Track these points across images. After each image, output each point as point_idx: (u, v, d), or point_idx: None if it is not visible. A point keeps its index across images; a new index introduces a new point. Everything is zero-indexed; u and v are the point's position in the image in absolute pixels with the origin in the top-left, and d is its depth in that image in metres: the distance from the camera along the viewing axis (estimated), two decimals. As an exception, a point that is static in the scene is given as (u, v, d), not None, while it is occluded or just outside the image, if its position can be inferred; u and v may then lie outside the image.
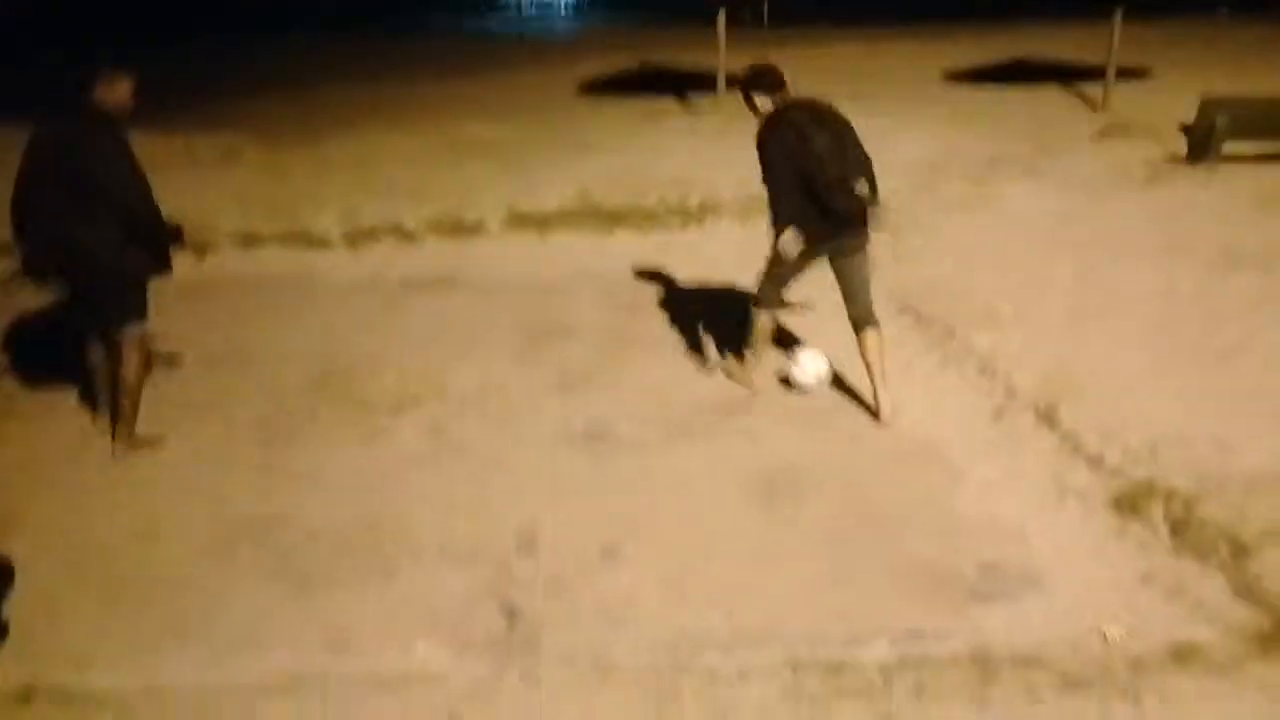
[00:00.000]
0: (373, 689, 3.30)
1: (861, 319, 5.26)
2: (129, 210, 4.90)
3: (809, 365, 5.48)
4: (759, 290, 5.53)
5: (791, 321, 6.12)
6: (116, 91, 4.98)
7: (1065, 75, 13.38)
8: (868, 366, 5.26)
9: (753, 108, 5.35)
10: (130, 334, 5.10)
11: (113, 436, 5.19)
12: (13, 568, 3.75)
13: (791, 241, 5.19)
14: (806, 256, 5.27)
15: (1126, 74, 12.61)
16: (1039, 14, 17.09)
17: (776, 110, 5.23)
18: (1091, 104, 12.14)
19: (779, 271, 5.39)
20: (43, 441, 5.38)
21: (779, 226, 5.20)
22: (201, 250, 5.24)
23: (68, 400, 5.79)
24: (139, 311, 5.12)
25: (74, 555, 4.37)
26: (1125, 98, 11.90)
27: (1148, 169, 8.74)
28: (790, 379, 5.52)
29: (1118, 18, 11.82)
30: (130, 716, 3.16)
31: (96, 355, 5.37)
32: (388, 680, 3.40)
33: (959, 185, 8.33)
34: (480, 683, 3.36)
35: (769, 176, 5.19)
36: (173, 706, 3.22)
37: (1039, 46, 15.38)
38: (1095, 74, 12.39)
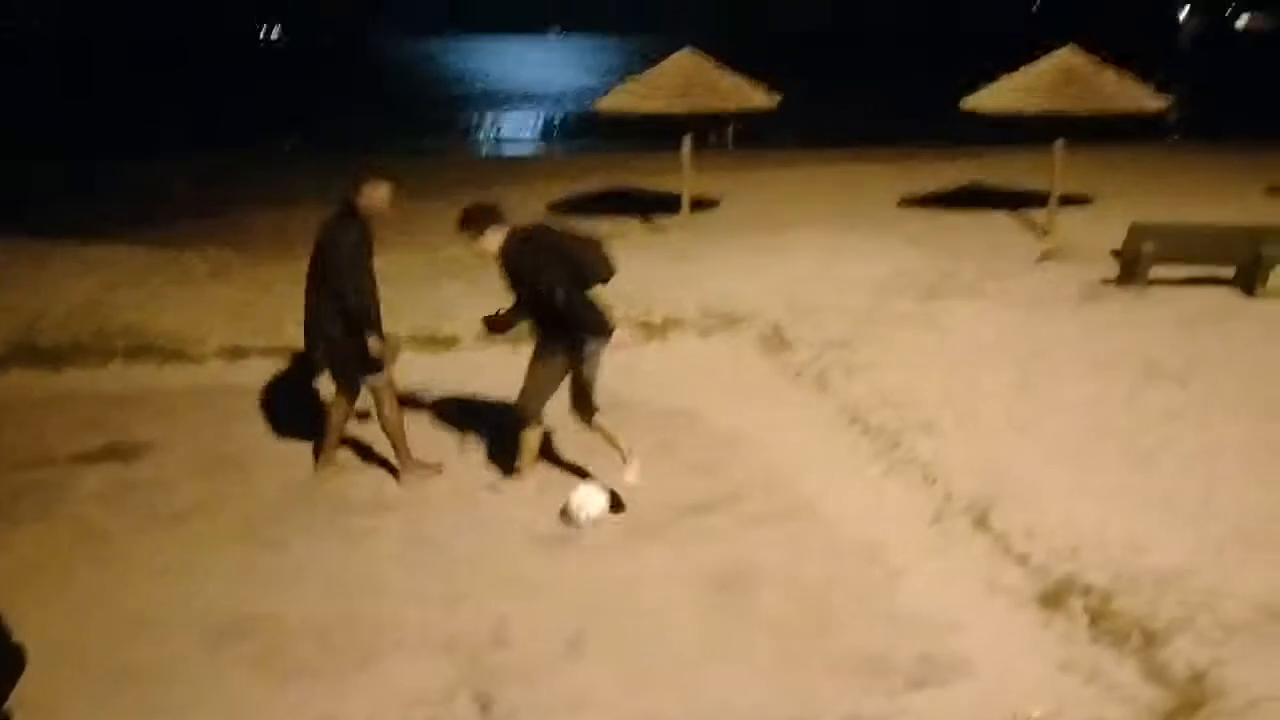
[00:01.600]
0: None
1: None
2: (339, 298, 5.77)
3: (589, 504, 5.71)
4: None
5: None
6: (376, 195, 5.85)
7: (1014, 201, 14.15)
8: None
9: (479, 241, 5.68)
10: (375, 384, 6.03)
11: (400, 468, 6.26)
12: (24, 658, 4.03)
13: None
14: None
15: (1071, 200, 13.39)
16: (993, 141, 17.97)
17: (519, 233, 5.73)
18: (1037, 229, 12.84)
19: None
20: (39, 543, 5.66)
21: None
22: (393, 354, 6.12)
23: (64, 505, 6.10)
24: (376, 366, 5.96)
25: (68, 648, 4.65)
26: (1068, 223, 12.59)
27: (1083, 289, 9.34)
28: (569, 513, 5.71)
29: (1059, 146, 12.61)
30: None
31: (340, 414, 6.28)
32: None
33: (908, 303, 8.87)
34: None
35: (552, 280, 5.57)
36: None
37: (992, 172, 16.23)
38: (1041, 199, 13.15)
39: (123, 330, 8.62)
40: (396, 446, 6.22)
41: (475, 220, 5.65)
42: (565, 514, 5.72)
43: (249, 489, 6.28)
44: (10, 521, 5.89)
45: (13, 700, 4.08)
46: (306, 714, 4.27)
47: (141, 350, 8.49)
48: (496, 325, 5.87)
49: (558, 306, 5.54)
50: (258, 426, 7.21)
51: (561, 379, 5.84)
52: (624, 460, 5.85)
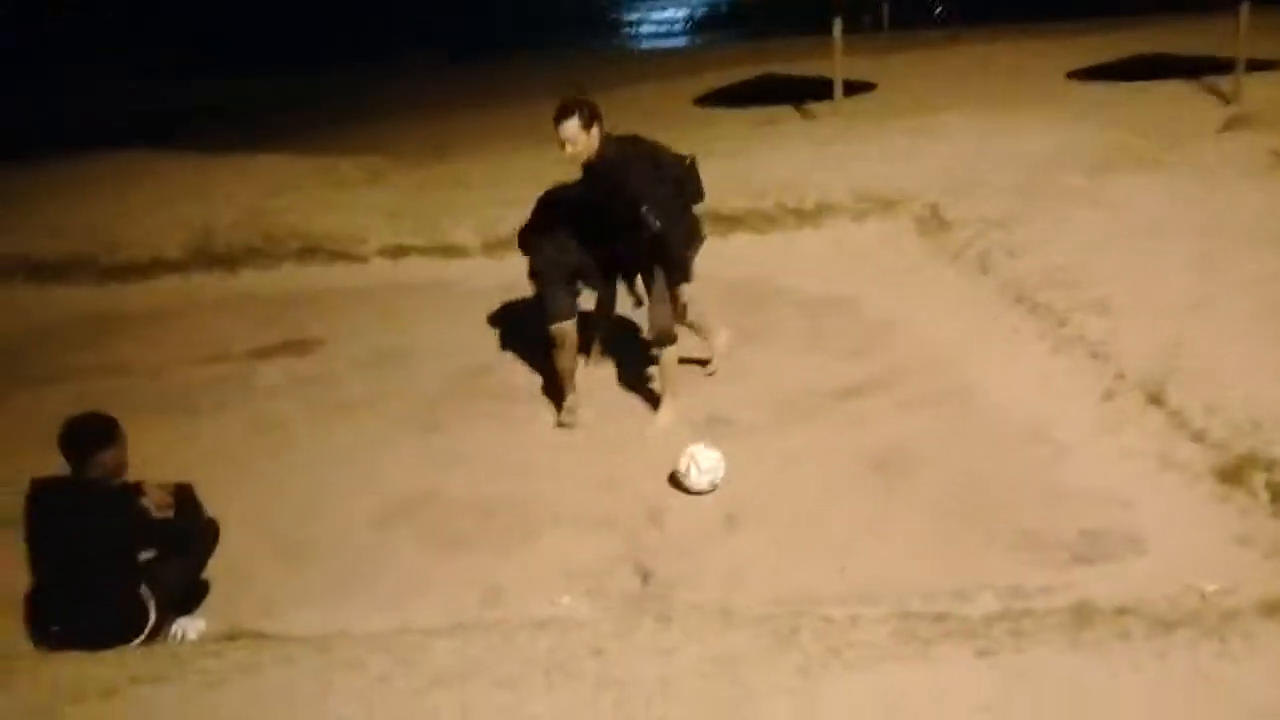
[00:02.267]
0: (526, 631, 3.73)
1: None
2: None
3: (707, 470, 4.96)
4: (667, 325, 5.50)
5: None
6: None
7: (1196, 68, 13.17)
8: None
9: (588, 141, 5.08)
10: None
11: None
12: (218, 530, 4.32)
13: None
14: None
15: (1259, 65, 12.38)
16: (1167, 9, 16.70)
17: (625, 141, 5.32)
18: (1221, 97, 11.96)
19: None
20: (221, 433, 6.03)
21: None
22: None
23: (242, 397, 6.47)
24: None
25: (254, 526, 4.97)
26: (1256, 88, 11.67)
27: (1271, 158, 8.67)
28: (681, 477, 5.01)
29: (1244, 9, 11.66)
30: (326, 651, 3.66)
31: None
32: (539, 624, 3.83)
33: (1077, 178, 8.39)
34: (620, 624, 3.77)
35: (657, 203, 5.17)
36: (358, 644, 3.71)
37: (1167, 41, 15.11)
38: (1226, 67, 12.20)
39: (290, 234, 8.99)
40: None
41: (580, 112, 5.03)
42: (682, 479, 5.02)
43: (414, 380, 6.51)
44: (193, 413, 6.29)
45: (210, 569, 4.39)
46: (472, 583, 4.46)
47: (308, 252, 8.86)
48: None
49: (653, 229, 5.15)
50: (421, 320, 7.45)
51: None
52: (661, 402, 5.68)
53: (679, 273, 5.48)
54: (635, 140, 5.37)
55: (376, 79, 19.44)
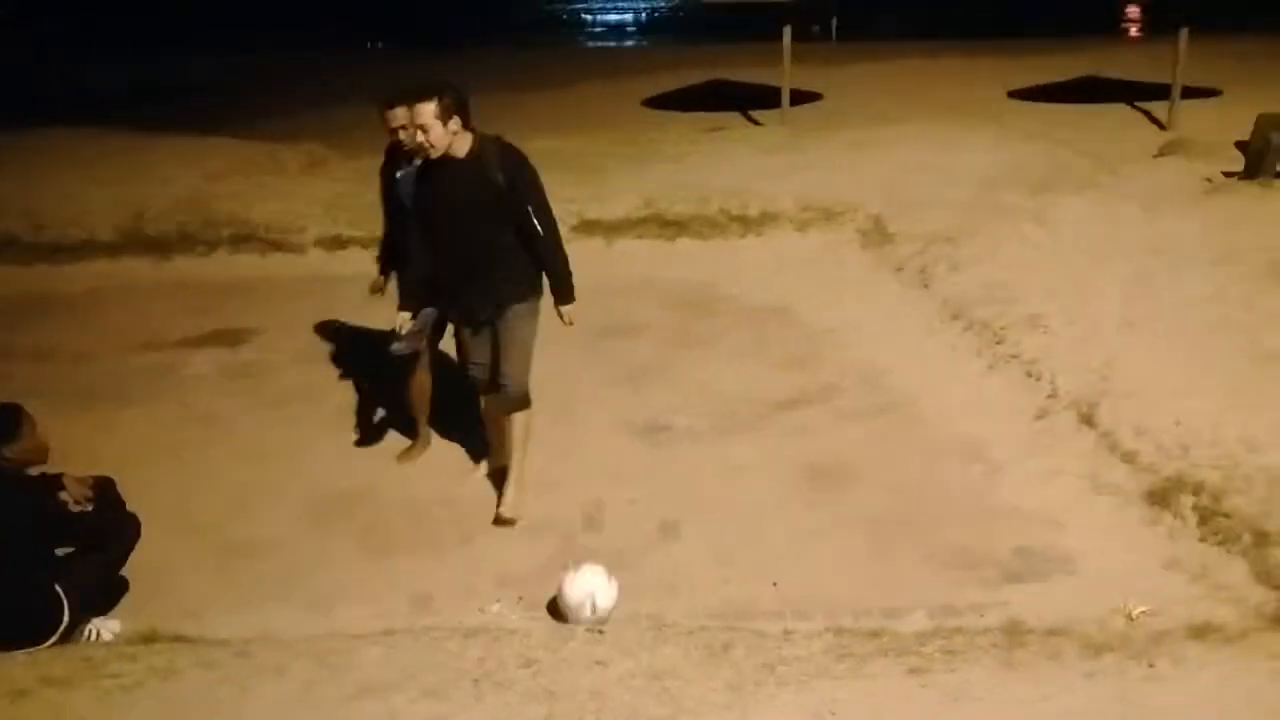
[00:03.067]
0: (455, 639, 3.67)
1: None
2: None
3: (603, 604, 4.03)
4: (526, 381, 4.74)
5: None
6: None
7: (1132, 93, 13.45)
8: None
9: (441, 131, 4.29)
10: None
11: None
12: (139, 526, 4.18)
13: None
14: None
15: (1194, 92, 12.66)
16: (1106, 32, 17.05)
17: (507, 144, 4.51)
18: (1158, 121, 12.22)
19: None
20: (149, 424, 5.86)
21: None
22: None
23: (172, 387, 6.30)
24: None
25: (179, 521, 4.83)
26: (1191, 115, 11.94)
27: (1204, 184, 8.87)
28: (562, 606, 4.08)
29: (1183, 36, 11.91)
30: (247, 655, 3.56)
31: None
32: (470, 631, 3.77)
33: (1017, 197, 8.50)
34: (551, 634, 3.72)
35: (546, 207, 4.54)
36: (283, 649, 3.62)
37: (1110, 64, 15.43)
38: (1162, 93, 12.47)
39: (227, 220, 8.81)
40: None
41: (443, 96, 4.27)
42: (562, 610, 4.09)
43: (348, 375, 6.39)
44: (122, 401, 6.12)
45: (129, 566, 4.25)
46: (403, 586, 4.37)
47: (244, 240, 8.69)
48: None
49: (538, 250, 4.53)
50: (358, 314, 7.31)
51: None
52: (510, 481, 4.83)
53: (568, 290, 4.68)
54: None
55: (329, 65, 19.11)
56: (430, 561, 4.54)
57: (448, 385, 5.38)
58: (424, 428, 5.41)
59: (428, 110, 4.25)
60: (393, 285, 5.23)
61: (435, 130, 4.27)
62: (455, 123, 4.31)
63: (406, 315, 4.81)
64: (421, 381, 5.29)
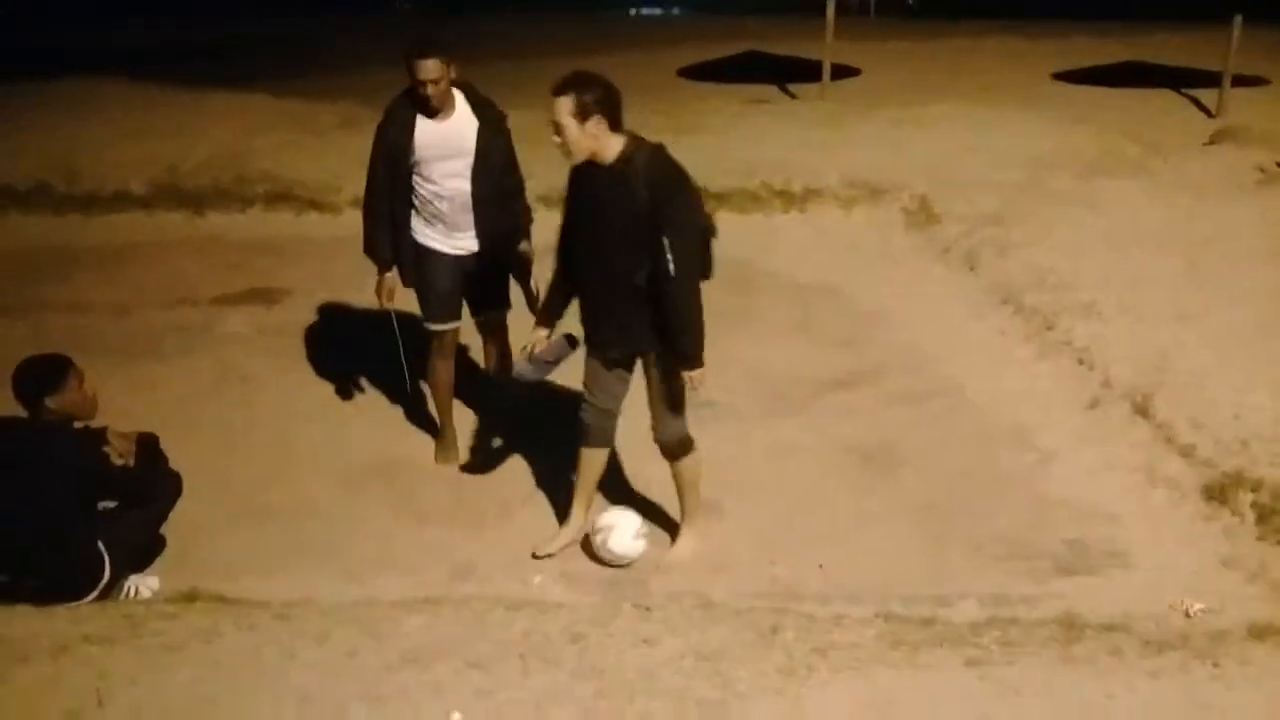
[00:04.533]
0: (499, 611, 3.60)
1: None
2: None
3: (613, 543, 4.22)
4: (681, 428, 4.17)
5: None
6: None
7: (1180, 79, 13.20)
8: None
9: (572, 133, 3.69)
10: None
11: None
12: (181, 484, 4.13)
13: None
14: None
15: (1244, 81, 12.42)
16: (1154, 18, 16.72)
17: (663, 150, 3.82)
18: (1206, 109, 11.99)
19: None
20: (185, 382, 5.81)
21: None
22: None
23: (207, 345, 6.24)
24: None
25: (216, 482, 4.78)
26: (1241, 104, 11.71)
27: (1257, 174, 8.69)
28: (597, 546, 4.26)
29: (1237, 23, 11.67)
30: (289, 619, 3.50)
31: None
32: (514, 604, 3.70)
33: (1067, 181, 8.35)
34: (597, 609, 3.65)
35: (685, 236, 3.76)
36: (324, 614, 3.56)
37: (1154, 50, 15.14)
38: (1211, 80, 12.23)
39: (261, 177, 8.74)
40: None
41: (583, 91, 3.67)
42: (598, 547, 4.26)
43: (385, 338, 6.29)
44: (158, 358, 6.07)
45: (167, 524, 4.21)
46: (442, 556, 4.32)
47: (279, 198, 8.63)
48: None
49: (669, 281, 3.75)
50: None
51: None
52: (683, 528, 4.37)
53: (694, 353, 3.90)
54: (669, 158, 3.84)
55: (361, 25, 18.97)
56: (470, 533, 4.48)
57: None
58: (450, 425, 5.11)
59: (564, 106, 3.65)
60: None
61: (571, 129, 3.66)
62: (597, 123, 3.66)
63: (542, 334, 4.14)
64: (445, 376, 4.99)
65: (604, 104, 3.67)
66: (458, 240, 4.70)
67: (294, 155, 9.18)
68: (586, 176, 3.80)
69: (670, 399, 4.02)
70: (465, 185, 4.58)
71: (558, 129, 3.70)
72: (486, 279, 4.85)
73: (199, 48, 16.68)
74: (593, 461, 4.28)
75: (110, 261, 7.67)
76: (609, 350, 4.06)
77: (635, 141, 3.77)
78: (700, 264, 3.87)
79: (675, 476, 4.25)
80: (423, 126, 4.50)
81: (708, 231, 3.96)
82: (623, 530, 4.22)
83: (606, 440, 4.27)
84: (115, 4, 21.36)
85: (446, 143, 4.52)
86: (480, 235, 4.69)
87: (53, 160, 8.86)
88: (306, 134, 9.93)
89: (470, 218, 4.66)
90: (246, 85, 11.78)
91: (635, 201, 3.69)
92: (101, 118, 9.79)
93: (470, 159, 4.56)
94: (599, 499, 4.48)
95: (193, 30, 18.49)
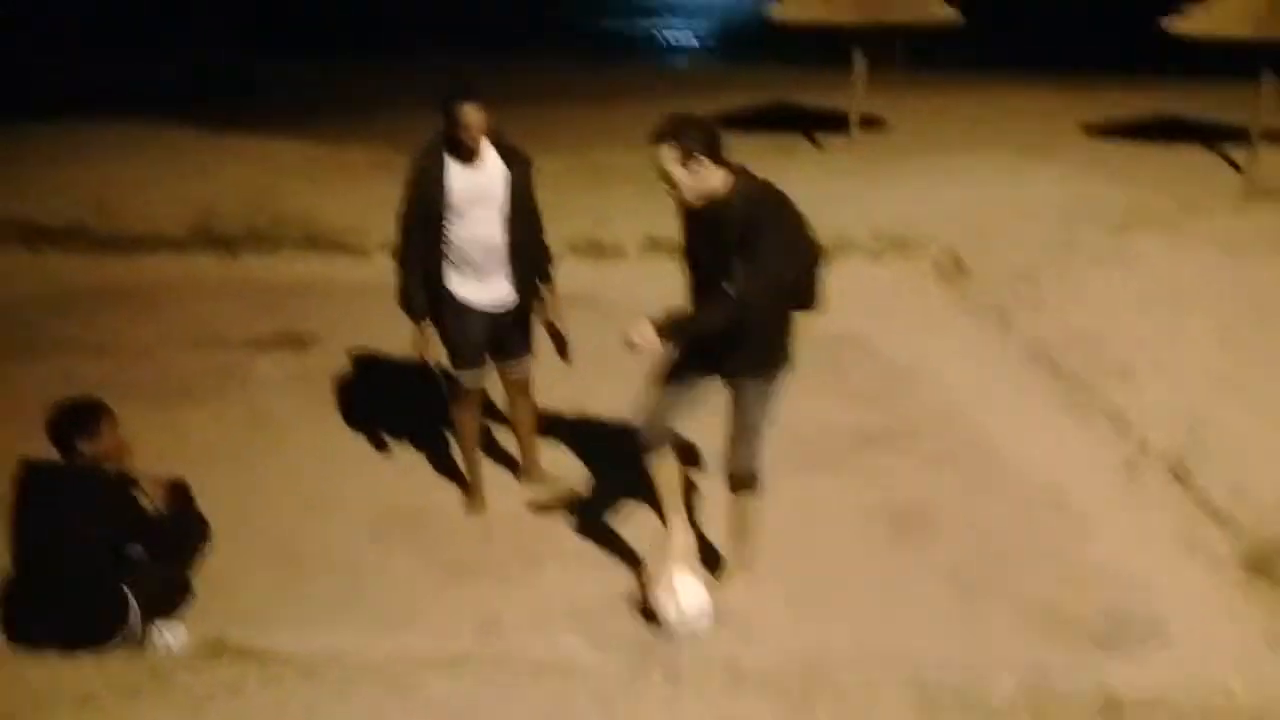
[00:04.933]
0: (528, 672, 3.56)
1: None
2: None
3: (686, 601, 4.10)
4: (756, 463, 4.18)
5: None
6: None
7: (1208, 134, 13.15)
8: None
9: (680, 178, 3.79)
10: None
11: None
12: (210, 531, 4.12)
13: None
14: None
15: (1272, 136, 12.37)
16: (1188, 71, 16.70)
17: (766, 183, 3.91)
18: (1234, 165, 11.94)
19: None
20: (215, 426, 5.81)
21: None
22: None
23: (238, 389, 6.26)
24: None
25: (244, 529, 4.77)
26: (1271, 160, 11.65)
27: (1293, 234, 8.64)
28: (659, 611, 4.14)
29: (1266, 77, 11.65)
30: (314, 675, 3.47)
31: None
32: (541, 666, 3.65)
33: (1097, 235, 8.29)
34: (626, 674, 3.59)
35: (765, 270, 3.78)
36: (349, 671, 3.52)
37: (1187, 104, 15.11)
38: (1240, 135, 12.18)
39: (295, 219, 8.79)
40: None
41: (681, 138, 3.75)
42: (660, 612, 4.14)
43: (416, 384, 6.29)
44: (188, 401, 6.08)
45: (193, 572, 4.19)
46: (469, 610, 4.27)
47: (311, 241, 8.66)
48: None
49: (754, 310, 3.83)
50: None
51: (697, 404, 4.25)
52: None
53: (684, 330, 3.93)
54: (775, 191, 3.93)
55: (397, 71, 19.16)
56: (497, 587, 4.44)
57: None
58: (478, 475, 5.08)
59: (667, 155, 3.76)
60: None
61: (680, 176, 3.77)
62: (702, 164, 3.76)
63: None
64: (473, 426, 4.97)
65: (702, 143, 3.76)
66: (490, 288, 4.70)
67: (328, 199, 9.25)
68: (698, 214, 3.90)
69: (753, 432, 4.09)
70: (497, 232, 4.61)
71: (666, 178, 3.80)
72: (515, 327, 4.86)
73: (228, 84, 16.89)
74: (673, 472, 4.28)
75: (142, 302, 7.71)
76: (703, 372, 4.12)
77: (739, 175, 3.86)
78: (786, 293, 3.98)
79: (737, 513, 4.24)
80: (455, 173, 4.51)
81: (811, 262, 4.08)
82: (691, 589, 4.11)
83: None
84: (135, 39, 21.63)
85: (479, 189, 4.54)
86: (513, 282, 4.72)
87: (87, 200, 8.94)
88: (341, 178, 10.01)
89: (502, 265, 4.68)
90: (278, 126, 11.92)
91: (732, 229, 3.78)
92: (136, 159, 9.90)
93: (501, 205, 4.58)
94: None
95: (216, 68, 18.71)
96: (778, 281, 3.86)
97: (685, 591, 4.09)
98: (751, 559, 4.35)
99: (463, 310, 4.69)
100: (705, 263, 3.93)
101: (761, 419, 4.09)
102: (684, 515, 4.29)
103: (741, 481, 4.16)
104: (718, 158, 3.81)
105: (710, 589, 4.19)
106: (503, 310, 4.76)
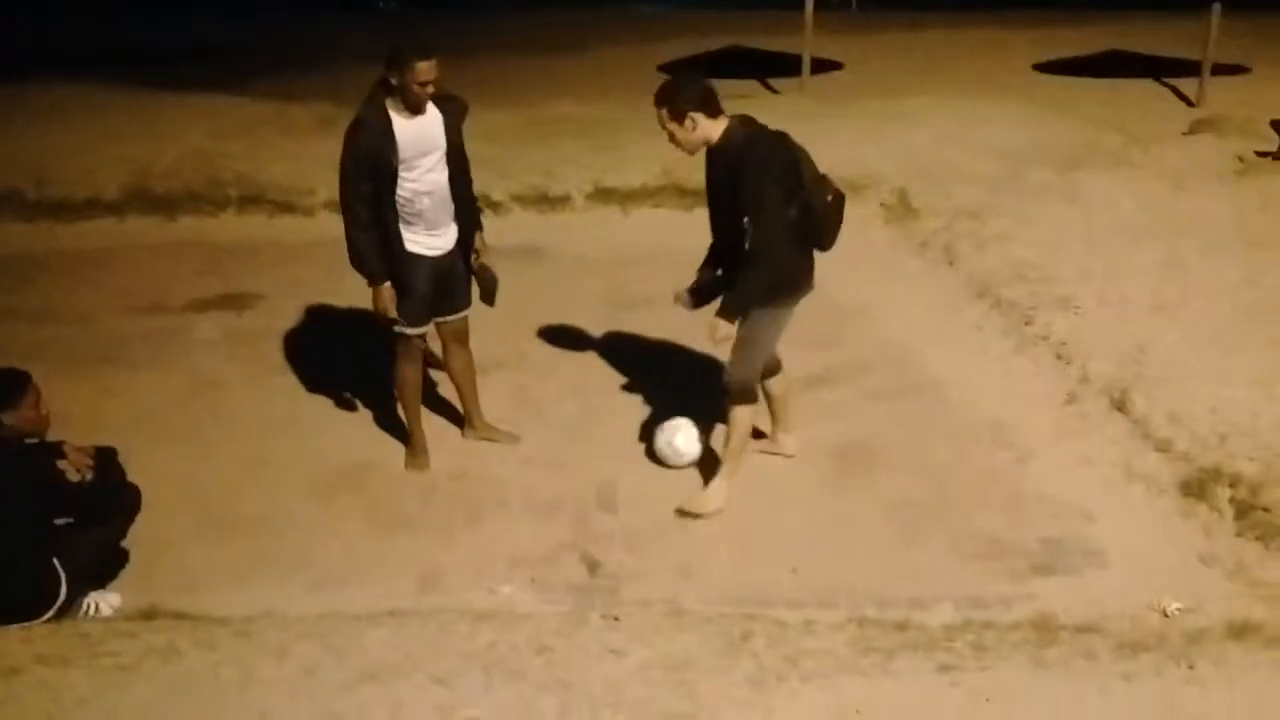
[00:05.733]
0: (465, 622, 3.53)
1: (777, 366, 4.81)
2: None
3: (678, 442, 4.82)
4: (740, 375, 4.49)
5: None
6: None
7: (1159, 69, 13.16)
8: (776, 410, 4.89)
9: (678, 135, 4.21)
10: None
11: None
12: (140, 498, 4.05)
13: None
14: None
15: (1224, 70, 12.38)
16: (1134, 6, 16.69)
17: (754, 131, 4.25)
18: (1186, 98, 11.96)
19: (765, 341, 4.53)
20: (154, 391, 5.72)
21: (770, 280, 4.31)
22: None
23: (178, 352, 6.16)
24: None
25: (184, 493, 4.71)
26: (1221, 93, 11.67)
27: (1238, 164, 8.66)
28: (654, 449, 4.90)
29: (1215, 11, 11.63)
30: (249, 635, 3.43)
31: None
32: (480, 615, 3.63)
33: (1045, 173, 8.30)
34: (565, 620, 3.58)
35: (762, 212, 4.16)
36: (285, 630, 3.49)
37: (1133, 39, 15.09)
38: (1191, 69, 12.19)
39: (234, 180, 8.66)
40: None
41: (672, 101, 4.16)
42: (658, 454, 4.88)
43: (357, 344, 6.22)
44: (126, 366, 5.99)
45: (130, 538, 4.13)
46: (410, 566, 4.24)
47: (252, 201, 8.53)
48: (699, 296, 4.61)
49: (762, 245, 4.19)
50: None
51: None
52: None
53: (736, 306, 4.31)
54: (779, 136, 4.33)
55: (338, 25, 18.79)
56: (439, 540, 4.41)
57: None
58: (420, 430, 5.01)
59: (664, 116, 4.20)
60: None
61: (677, 133, 4.21)
62: (696, 119, 4.15)
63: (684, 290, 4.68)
64: (416, 380, 4.92)
65: (694, 101, 4.15)
66: (435, 239, 4.66)
67: (268, 158, 9.08)
68: (709, 159, 4.32)
69: (743, 344, 4.41)
70: (443, 179, 4.58)
71: (669, 136, 4.23)
72: (455, 278, 4.81)
73: (172, 49, 16.47)
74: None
75: (80, 268, 7.57)
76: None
77: (737, 126, 4.23)
78: (781, 237, 4.25)
79: (728, 421, 4.52)
80: (400, 126, 4.44)
81: (816, 203, 4.34)
82: (688, 431, 4.82)
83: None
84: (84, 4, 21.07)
85: (425, 139, 4.50)
86: (458, 229, 4.72)
87: (22, 166, 8.73)
88: (281, 136, 9.82)
89: (448, 213, 4.66)
90: (220, 86, 11.65)
91: (728, 175, 4.20)
92: (71, 122, 9.66)
93: (442, 152, 4.54)
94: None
95: (165, 31, 18.27)
96: (781, 220, 4.22)
97: (679, 438, 4.79)
98: (734, 465, 4.57)
99: (415, 263, 4.62)
100: (714, 201, 4.40)
101: (756, 338, 4.42)
102: (739, 464, 4.58)
103: (735, 395, 4.46)
104: (711, 111, 4.18)
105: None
106: (447, 258, 4.71)
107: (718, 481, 4.56)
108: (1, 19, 18.35)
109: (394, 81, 4.37)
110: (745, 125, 4.25)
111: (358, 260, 4.61)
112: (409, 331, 4.73)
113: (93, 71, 12.24)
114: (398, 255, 4.58)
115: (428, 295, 4.72)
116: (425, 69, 4.33)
